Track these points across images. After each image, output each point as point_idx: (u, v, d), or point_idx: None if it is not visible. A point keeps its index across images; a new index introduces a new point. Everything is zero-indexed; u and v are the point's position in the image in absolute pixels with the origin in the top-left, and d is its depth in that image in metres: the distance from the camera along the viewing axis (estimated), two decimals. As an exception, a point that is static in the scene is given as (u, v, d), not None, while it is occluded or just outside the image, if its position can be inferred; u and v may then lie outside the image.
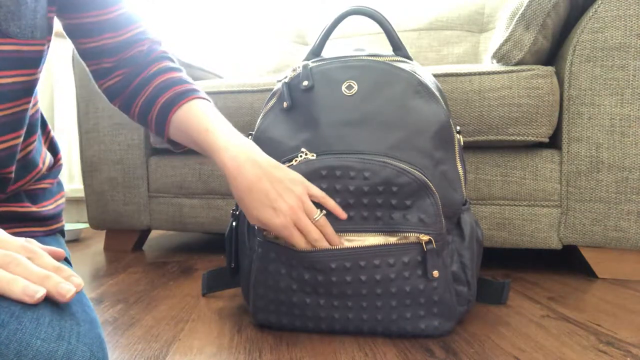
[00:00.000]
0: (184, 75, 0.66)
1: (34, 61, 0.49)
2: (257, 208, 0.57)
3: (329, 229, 0.58)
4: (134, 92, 0.63)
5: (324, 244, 0.58)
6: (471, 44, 1.49)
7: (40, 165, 0.55)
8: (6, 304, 0.32)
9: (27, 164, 0.53)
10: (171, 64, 0.66)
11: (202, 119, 0.60)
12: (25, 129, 0.51)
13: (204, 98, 0.63)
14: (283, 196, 0.57)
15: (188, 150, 1.23)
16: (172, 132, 0.63)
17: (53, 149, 0.61)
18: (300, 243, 0.57)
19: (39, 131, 0.57)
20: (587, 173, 0.93)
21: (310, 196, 0.58)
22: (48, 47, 0.52)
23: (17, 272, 0.33)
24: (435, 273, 0.58)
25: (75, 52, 1.26)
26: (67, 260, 0.53)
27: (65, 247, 0.57)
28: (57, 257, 0.39)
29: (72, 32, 0.60)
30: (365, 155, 0.59)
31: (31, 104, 0.52)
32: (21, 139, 0.51)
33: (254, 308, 0.64)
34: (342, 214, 0.58)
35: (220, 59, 1.75)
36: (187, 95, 0.62)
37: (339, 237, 0.58)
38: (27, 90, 0.50)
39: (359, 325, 0.61)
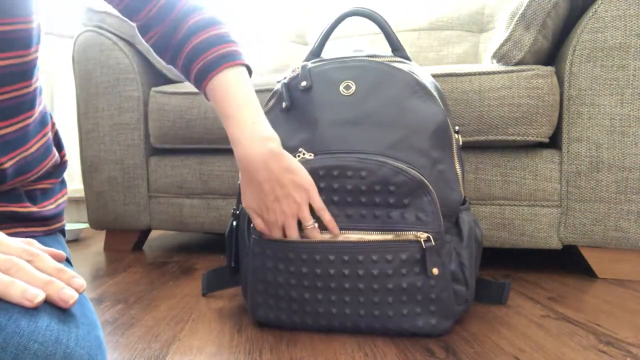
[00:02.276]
0: (218, 27, 0.64)
1: (22, 41, 0.44)
2: (255, 201, 0.61)
3: (317, 238, 0.60)
4: (176, 49, 0.65)
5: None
6: (471, 44, 1.49)
7: (53, 155, 0.54)
8: (4, 307, 0.31)
9: (46, 150, 0.53)
10: (206, 15, 0.65)
11: (225, 102, 0.61)
12: (22, 116, 0.47)
13: (235, 64, 0.62)
14: (281, 201, 0.59)
15: (188, 150, 1.23)
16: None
17: (57, 143, 0.59)
18: (277, 233, 0.61)
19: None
20: (587, 173, 0.93)
21: (311, 203, 0.60)
22: (40, 23, 0.47)
23: (18, 277, 0.32)
24: (435, 270, 0.58)
25: (76, 52, 1.26)
26: (67, 261, 0.53)
27: (65, 247, 0.56)
28: (57, 259, 0.38)
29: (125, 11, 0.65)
30: (362, 154, 0.60)
31: (32, 87, 0.48)
32: (17, 127, 0.47)
33: (253, 305, 0.64)
34: (335, 229, 0.60)
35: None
36: (214, 67, 0.61)
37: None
38: (20, 74, 0.46)
39: (356, 321, 0.61)
